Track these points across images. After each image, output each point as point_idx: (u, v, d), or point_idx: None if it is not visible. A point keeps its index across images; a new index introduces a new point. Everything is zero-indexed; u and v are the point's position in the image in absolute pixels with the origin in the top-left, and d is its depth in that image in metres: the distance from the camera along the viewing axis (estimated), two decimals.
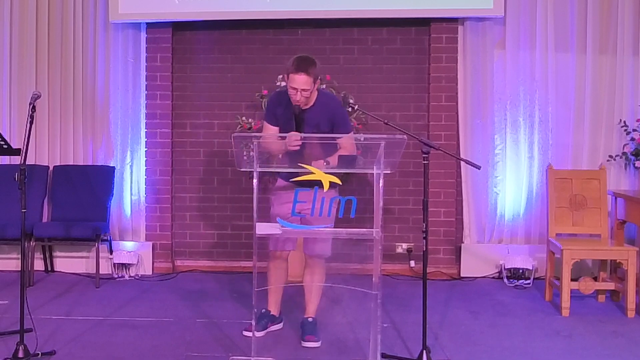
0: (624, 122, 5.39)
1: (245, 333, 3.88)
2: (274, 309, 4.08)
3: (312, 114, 3.76)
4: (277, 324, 4.10)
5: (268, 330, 4.00)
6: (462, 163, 5.51)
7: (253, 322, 3.39)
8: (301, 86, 3.60)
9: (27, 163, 3.42)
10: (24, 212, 3.44)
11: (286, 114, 3.79)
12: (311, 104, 3.76)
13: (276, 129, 3.84)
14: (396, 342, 3.84)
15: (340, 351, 3.70)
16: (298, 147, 3.52)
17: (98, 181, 5.57)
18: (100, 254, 5.24)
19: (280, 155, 3.68)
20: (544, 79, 5.51)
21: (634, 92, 5.45)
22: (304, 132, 3.68)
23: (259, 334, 3.76)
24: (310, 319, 3.94)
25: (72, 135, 5.70)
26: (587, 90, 5.48)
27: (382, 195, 3.30)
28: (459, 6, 5.42)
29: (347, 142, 3.65)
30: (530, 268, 5.28)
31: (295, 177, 3.42)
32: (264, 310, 4.03)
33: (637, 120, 5.31)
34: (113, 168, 5.63)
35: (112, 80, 5.69)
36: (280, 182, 3.96)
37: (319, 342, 3.80)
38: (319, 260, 3.98)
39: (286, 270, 4.10)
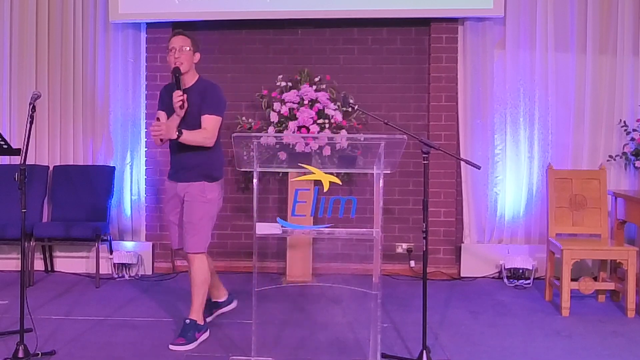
0: (624, 122, 5.39)
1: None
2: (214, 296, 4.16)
3: (190, 94, 3.82)
4: (227, 305, 4.21)
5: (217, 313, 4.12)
6: (462, 163, 5.51)
7: (253, 323, 3.38)
8: (178, 44, 3.81)
9: (27, 163, 3.43)
10: (24, 212, 3.44)
11: (168, 95, 3.86)
12: (190, 84, 3.85)
13: (164, 113, 3.87)
14: (396, 342, 3.84)
15: (340, 351, 3.70)
16: (180, 103, 3.72)
17: (98, 181, 5.57)
18: (100, 254, 5.24)
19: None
20: (544, 79, 5.51)
21: (634, 92, 5.45)
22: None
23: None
24: (187, 320, 3.81)
25: (72, 135, 5.71)
26: (587, 90, 5.48)
27: (382, 195, 3.30)
28: (459, 6, 5.42)
29: (208, 122, 3.76)
30: (530, 268, 5.28)
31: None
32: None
33: (637, 120, 5.31)
34: (113, 168, 5.64)
35: (112, 80, 5.70)
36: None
37: (188, 346, 3.70)
38: (190, 256, 3.86)
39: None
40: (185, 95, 3.76)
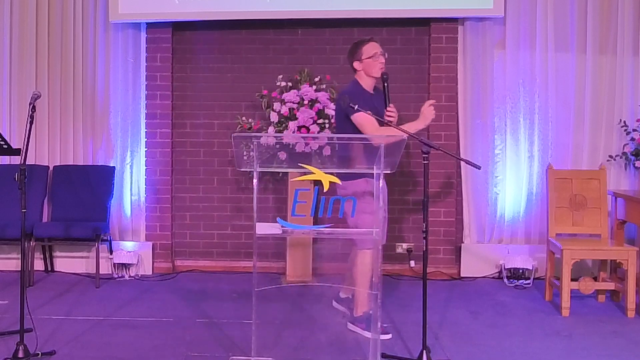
0: (624, 122, 5.39)
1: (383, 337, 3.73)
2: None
3: (376, 98, 3.98)
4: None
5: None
6: (462, 163, 5.51)
7: (253, 323, 3.38)
8: (380, 49, 3.96)
9: (27, 163, 3.43)
10: (24, 212, 3.45)
11: (368, 100, 3.90)
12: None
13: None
14: (396, 342, 3.84)
15: (340, 351, 3.70)
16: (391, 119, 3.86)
17: (98, 181, 5.57)
18: (100, 254, 5.24)
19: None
20: (544, 79, 5.51)
21: (634, 92, 5.45)
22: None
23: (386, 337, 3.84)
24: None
25: (72, 135, 5.70)
26: (587, 90, 5.48)
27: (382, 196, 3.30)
28: (459, 6, 5.42)
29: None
30: (530, 268, 5.28)
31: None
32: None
33: (637, 120, 5.31)
34: (113, 168, 5.64)
35: (112, 80, 5.70)
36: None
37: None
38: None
39: None
40: (395, 116, 3.89)
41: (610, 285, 4.66)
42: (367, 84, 4.03)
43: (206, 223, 5.82)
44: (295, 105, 5.22)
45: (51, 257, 5.65)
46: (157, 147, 5.69)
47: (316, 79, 5.39)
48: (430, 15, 5.51)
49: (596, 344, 3.87)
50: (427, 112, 3.82)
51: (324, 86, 5.36)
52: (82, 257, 5.61)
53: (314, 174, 3.26)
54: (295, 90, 5.27)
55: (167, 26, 5.65)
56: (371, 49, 3.96)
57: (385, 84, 3.91)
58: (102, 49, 5.69)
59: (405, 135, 3.38)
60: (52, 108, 5.68)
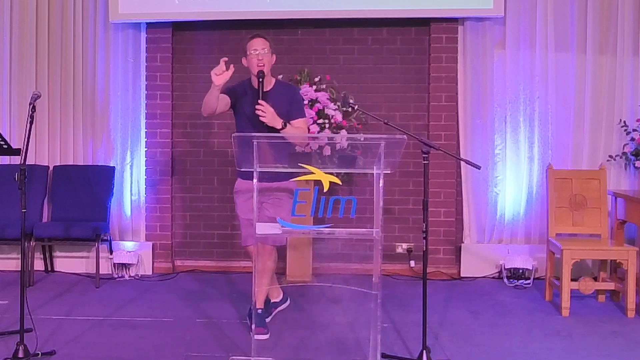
0: (624, 122, 5.39)
1: (258, 337, 3.64)
2: (273, 296, 4.30)
3: (270, 98, 3.90)
4: (283, 304, 4.35)
5: (275, 312, 4.25)
6: (462, 163, 5.51)
7: (253, 322, 3.39)
8: (259, 46, 3.92)
9: (27, 163, 3.43)
10: (24, 212, 3.44)
11: (242, 92, 4.02)
12: (270, 86, 3.97)
13: (225, 96, 3.99)
14: (396, 342, 3.84)
15: (340, 351, 3.70)
16: (260, 114, 3.75)
17: (98, 181, 5.57)
18: (100, 254, 5.24)
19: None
20: (544, 79, 5.51)
21: (634, 92, 5.45)
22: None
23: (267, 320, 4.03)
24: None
25: (72, 135, 5.70)
26: (587, 90, 5.48)
27: (382, 195, 3.30)
28: (459, 6, 5.42)
29: (303, 123, 3.96)
30: (530, 268, 5.28)
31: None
32: (260, 311, 3.94)
33: (637, 120, 5.31)
34: (113, 168, 5.64)
35: (112, 80, 5.70)
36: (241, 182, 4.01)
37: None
38: (273, 247, 4.09)
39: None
40: (267, 114, 3.77)
41: (610, 285, 4.66)
42: (254, 81, 3.97)
43: (206, 223, 5.81)
44: None
45: (51, 257, 5.65)
46: (157, 147, 5.69)
47: (316, 79, 5.40)
48: (430, 15, 5.51)
49: (596, 344, 3.87)
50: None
51: (324, 86, 5.36)
52: (82, 257, 5.61)
53: (314, 174, 3.26)
54: None
55: (167, 26, 5.65)
56: (251, 45, 3.96)
57: (260, 80, 3.88)
58: (102, 49, 5.69)
59: (404, 136, 3.37)
60: (52, 108, 5.68)
